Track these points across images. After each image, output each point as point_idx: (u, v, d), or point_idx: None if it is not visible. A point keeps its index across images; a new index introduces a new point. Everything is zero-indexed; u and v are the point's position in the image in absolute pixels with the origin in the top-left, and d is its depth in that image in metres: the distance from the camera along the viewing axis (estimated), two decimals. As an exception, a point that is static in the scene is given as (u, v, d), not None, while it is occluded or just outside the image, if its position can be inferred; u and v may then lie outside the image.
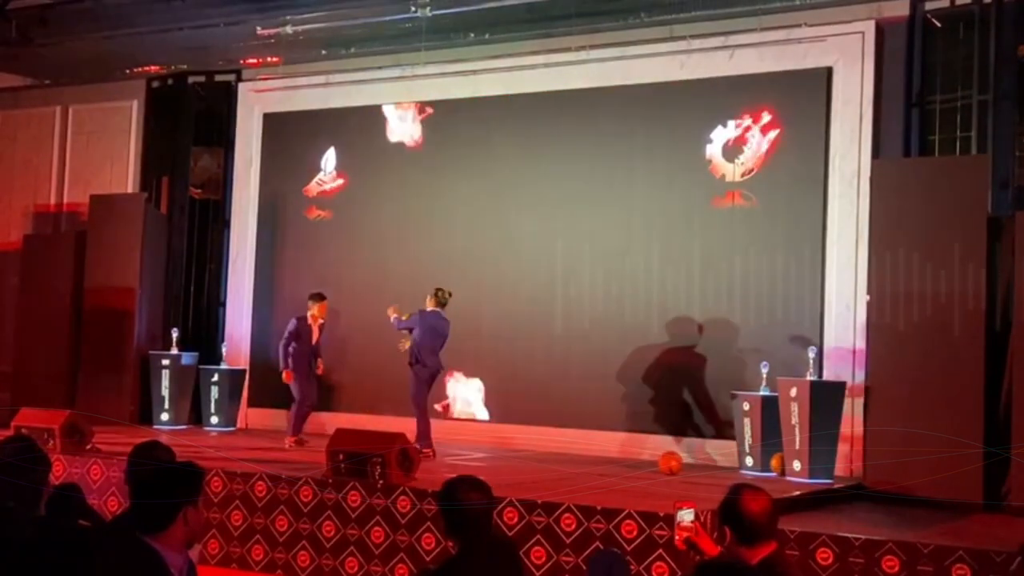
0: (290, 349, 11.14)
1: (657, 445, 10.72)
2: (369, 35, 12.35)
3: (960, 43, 9.94)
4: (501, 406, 11.99)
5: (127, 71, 14.22)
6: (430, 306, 10.61)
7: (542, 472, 9.52)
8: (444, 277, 11.95)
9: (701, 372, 10.94)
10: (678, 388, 11.05)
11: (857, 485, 9.30)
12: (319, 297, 11.36)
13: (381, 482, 8.22)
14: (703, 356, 10.95)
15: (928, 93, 10.08)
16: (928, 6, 10.13)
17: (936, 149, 9.97)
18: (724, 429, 10.54)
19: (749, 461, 9.87)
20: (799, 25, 10.72)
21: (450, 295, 10.66)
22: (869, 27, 10.40)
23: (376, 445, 8.46)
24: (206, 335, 13.73)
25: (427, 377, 10.65)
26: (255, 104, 13.80)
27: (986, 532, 7.69)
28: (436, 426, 10.84)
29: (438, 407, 11.76)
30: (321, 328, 11.37)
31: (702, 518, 5.60)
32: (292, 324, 11.26)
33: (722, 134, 11.06)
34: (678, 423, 11.00)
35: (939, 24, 10.08)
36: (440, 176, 12.54)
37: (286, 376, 11.14)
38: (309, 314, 11.30)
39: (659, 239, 11.31)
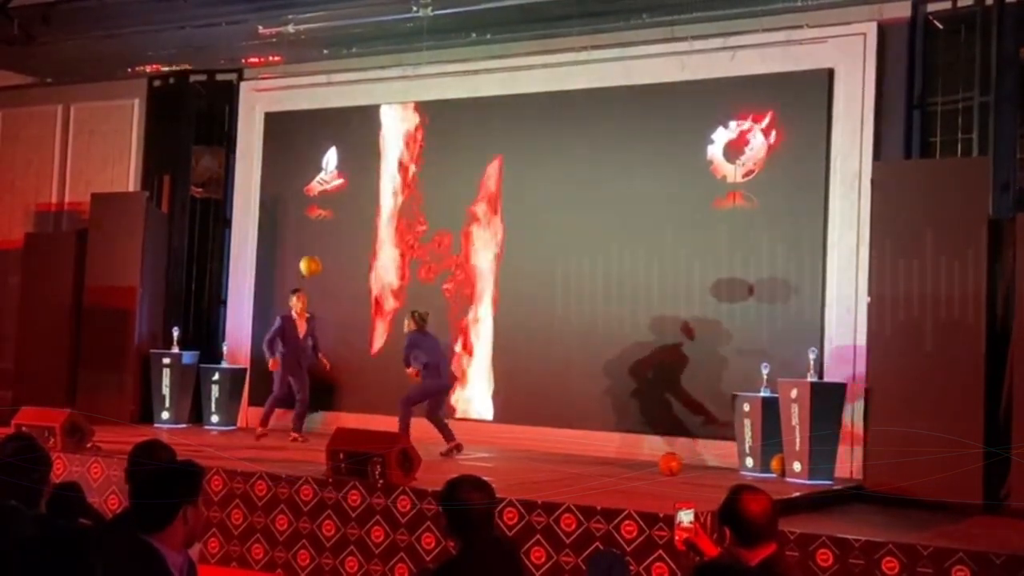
0: (276, 345, 11.31)
1: (656, 446, 10.71)
2: (370, 35, 12.36)
3: (962, 45, 9.93)
4: (501, 406, 11.99)
5: (129, 70, 14.21)
6: (411, 329, 10.64)
7: (542, 472, 9.52)
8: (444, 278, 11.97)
9: (701, 373, 10.94)
10: (678, 389, 11.05)
11: (857, 486, 9.30)
12: (294, 291, 11.54)
13: (381, 482, 8.22)
14: (703, 357, 10.94)
15: (929, 95, 10.07)
16: (930, 8, 10.12)
17: (937, 151, 9.97)
18: (724, 430, 10.51)
19: (749, 462, 9.87)
20: (801, 26, 10.71)
21: (427, 314, 10.79)
22: (871, 29, 10.40)
23: (376, 445, 8.47)
24: (207, 334, 13.74)
25: (434, 390, 10.70)
26: (256, 103, 13.79)
27: (986, 534, 7.69)
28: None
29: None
30: (309, 321, 11.40)
31: (702, 519, 5.60)
32: (277, 323, 11.49)
33: (723, 135, 11.05)
34: (678, 424, 10.99)
35: (941, 26, 10.08)
36: (440, 176, 12.53)
37: (272, 364, 11.30)
38: (293, 311, 11.38)
39: (660, 240, 11.29)
